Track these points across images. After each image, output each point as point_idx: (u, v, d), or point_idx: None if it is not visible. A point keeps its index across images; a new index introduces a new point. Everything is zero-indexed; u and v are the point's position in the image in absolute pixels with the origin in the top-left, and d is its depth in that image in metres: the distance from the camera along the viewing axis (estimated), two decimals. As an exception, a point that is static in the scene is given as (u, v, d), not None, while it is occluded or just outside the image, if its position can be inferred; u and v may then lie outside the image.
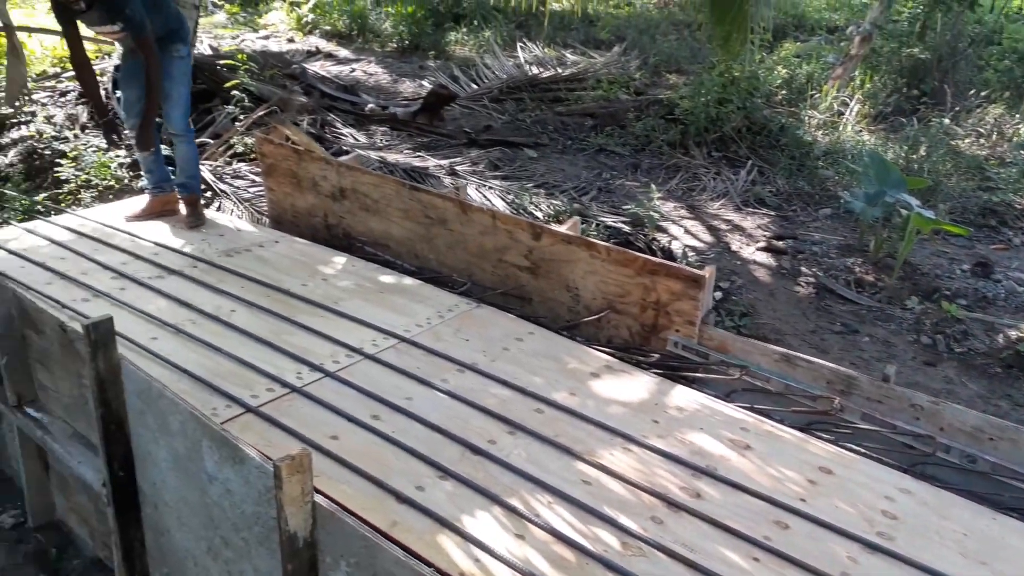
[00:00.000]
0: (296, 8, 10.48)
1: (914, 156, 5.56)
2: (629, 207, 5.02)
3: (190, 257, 3.46)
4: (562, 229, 3.19)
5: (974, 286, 4.25)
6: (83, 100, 5.49)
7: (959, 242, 4.82)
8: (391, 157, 5.53)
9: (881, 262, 4.45)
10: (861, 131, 6.50)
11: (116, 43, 3.96)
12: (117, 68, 4.34)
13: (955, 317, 3.87)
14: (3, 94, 5.29)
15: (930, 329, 3.80)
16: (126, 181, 4.89)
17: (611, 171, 5.88)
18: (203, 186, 4.82)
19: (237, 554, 1.90)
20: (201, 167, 5.01)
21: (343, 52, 9.47)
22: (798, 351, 2.83)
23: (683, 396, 2.66)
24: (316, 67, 8.03)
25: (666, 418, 2.52)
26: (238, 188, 4.82)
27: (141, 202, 3.98)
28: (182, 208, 3.90)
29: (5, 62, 5.36)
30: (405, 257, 3.59)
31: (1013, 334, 3.76)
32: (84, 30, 3.57)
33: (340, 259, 3.59)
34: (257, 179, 4.93)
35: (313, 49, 9.24)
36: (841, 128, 6.47)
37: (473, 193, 4.92)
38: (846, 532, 2.01)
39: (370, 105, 6.73)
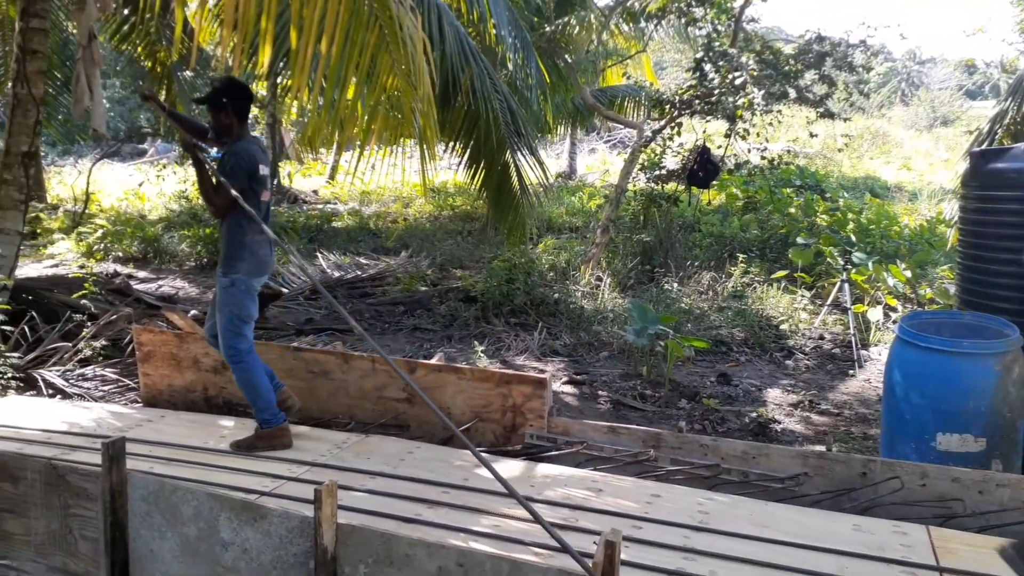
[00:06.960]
0: (85, 237, 10.68)
1: (656, 310, 7.22)
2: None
3: (88, 436, 3.74)
4: (432, 361, 4.03)
5: (721, 391, 5.67)
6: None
7: (704, 364, 6.34)
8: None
9: (653, 380, 5.77)
10: (615, 297, 8.20)
11: None
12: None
13: (714, 408, 5.19)
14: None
15: (699, 418, 5.05)
16: None
17: (429, 343, 6.84)
18: (51, 390, 4.99)
19: (248, 610, 2.35)
20: (50, 372, 5.15)
21: (142, 273, 9.79)
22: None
23: (546, 469, 3.50)
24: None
25: (539, 483, 3.34)
26: (88, 390, 5.04)
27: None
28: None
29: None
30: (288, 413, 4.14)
31: (753, 414, 5.12)
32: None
33: (229, 421, 4.07)
34: (107, 378, 5.19)
35: (112, 272, 9.46)
36: (600, 296, 8.11)
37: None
38: (678, 523, 2.92)
39: (192, 312, 7.18)
